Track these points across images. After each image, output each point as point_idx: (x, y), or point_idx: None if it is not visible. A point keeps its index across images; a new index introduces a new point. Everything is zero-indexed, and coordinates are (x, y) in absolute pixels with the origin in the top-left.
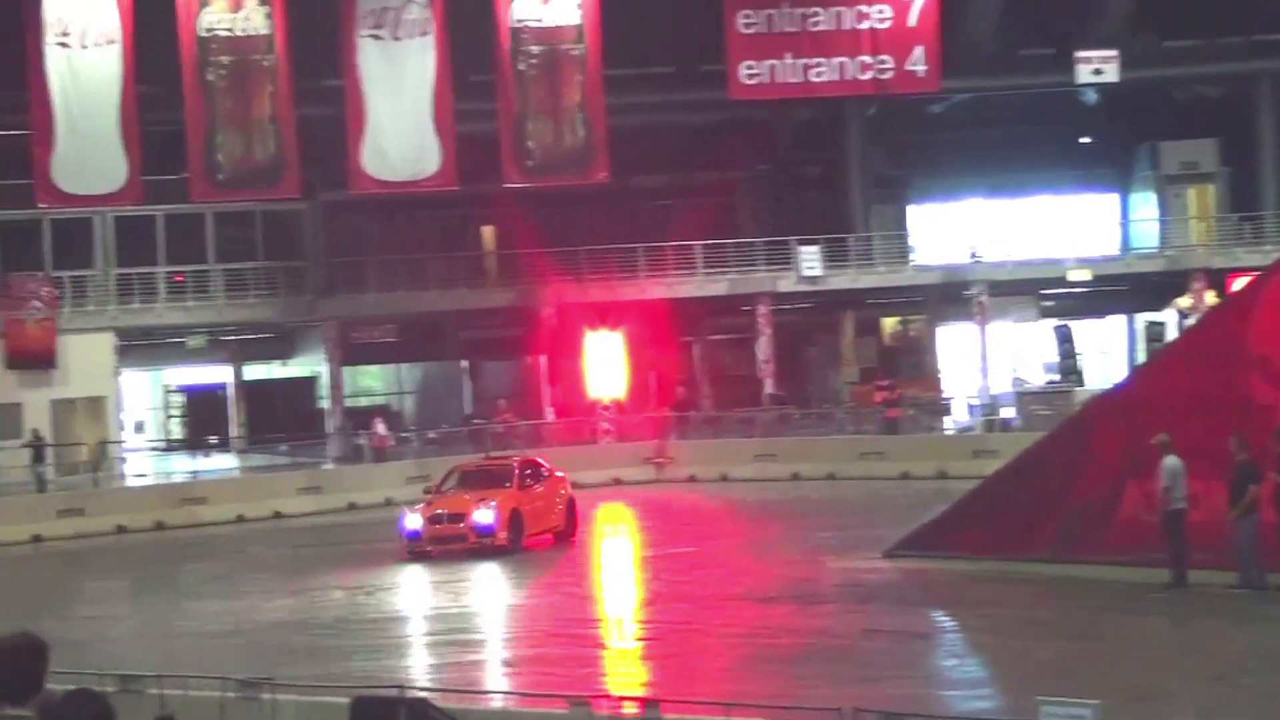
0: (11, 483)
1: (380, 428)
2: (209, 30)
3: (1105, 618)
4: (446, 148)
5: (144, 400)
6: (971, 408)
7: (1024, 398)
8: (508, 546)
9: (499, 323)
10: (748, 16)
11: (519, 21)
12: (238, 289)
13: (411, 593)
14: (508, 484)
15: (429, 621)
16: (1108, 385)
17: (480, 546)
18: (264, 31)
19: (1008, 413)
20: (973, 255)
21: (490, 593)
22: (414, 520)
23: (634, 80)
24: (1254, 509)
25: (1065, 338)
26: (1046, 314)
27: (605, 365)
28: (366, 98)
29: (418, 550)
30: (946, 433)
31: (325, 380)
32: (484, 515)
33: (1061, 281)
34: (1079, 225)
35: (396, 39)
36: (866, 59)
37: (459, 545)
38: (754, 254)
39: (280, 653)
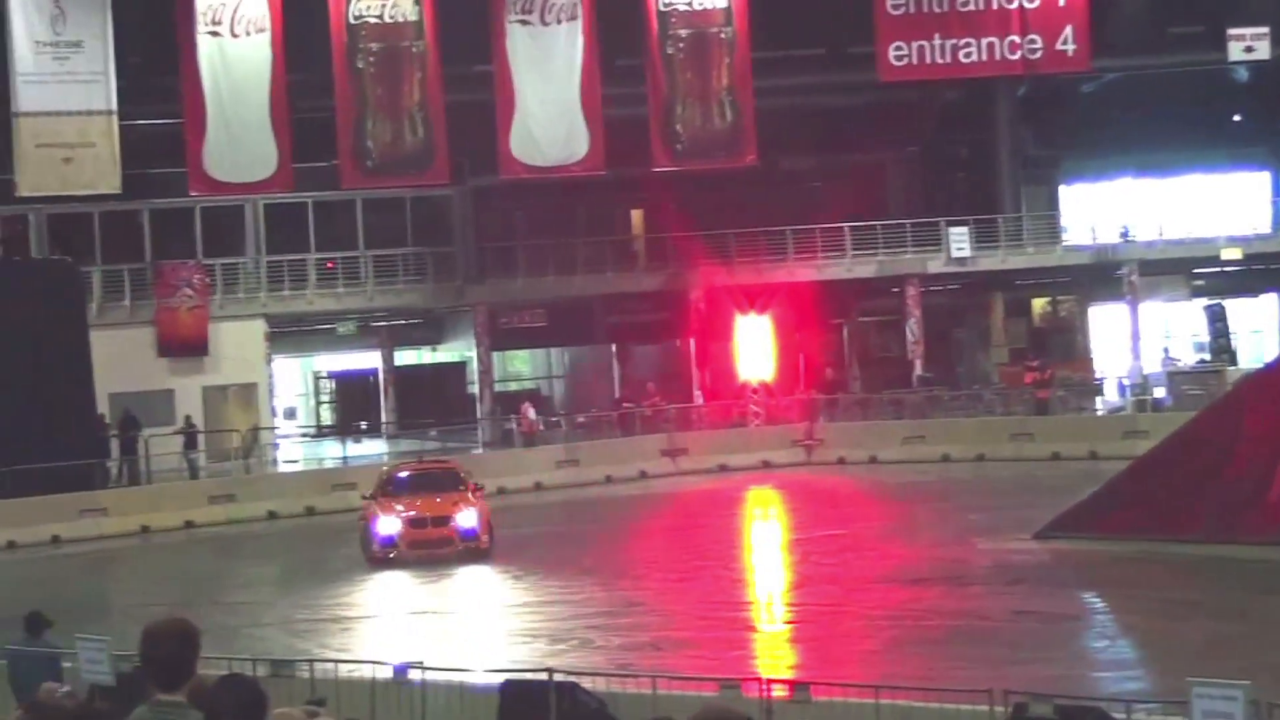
0: (165, 470)
1: (530, 412)
2: (358, 17)
3: (1257, 599)
4: (595, 132)
5: (295, 387)
6: (1122, 388)
7: (1176, 378)
8: (487, 549)
9: (648, 306)
10: None
11: (667, 5)
12: (387, 275)
13: (555, 578)
14: (461, 487)
15: (575, 605)
16: (1260, 364)
17: (465, 550)
18: (413, 18)
19: (1159, 393)
20: (1123, 235)
21: (637, 578)
22: (389, 524)
23: (782, 62)
24: None
25: (1217, 317)
26: (1198, 293)
27: (754, 348)
28: (515, 83)
29: (389, 556)
30: (1097, 413)
31: (474, 365)
32: (468, 518)
33: (1213, 260)
34: (1231, 203)
35: (545, 24)
36: (1016, 39)
37: (446, 550)
38: (903, 235)
39: (430, 637)
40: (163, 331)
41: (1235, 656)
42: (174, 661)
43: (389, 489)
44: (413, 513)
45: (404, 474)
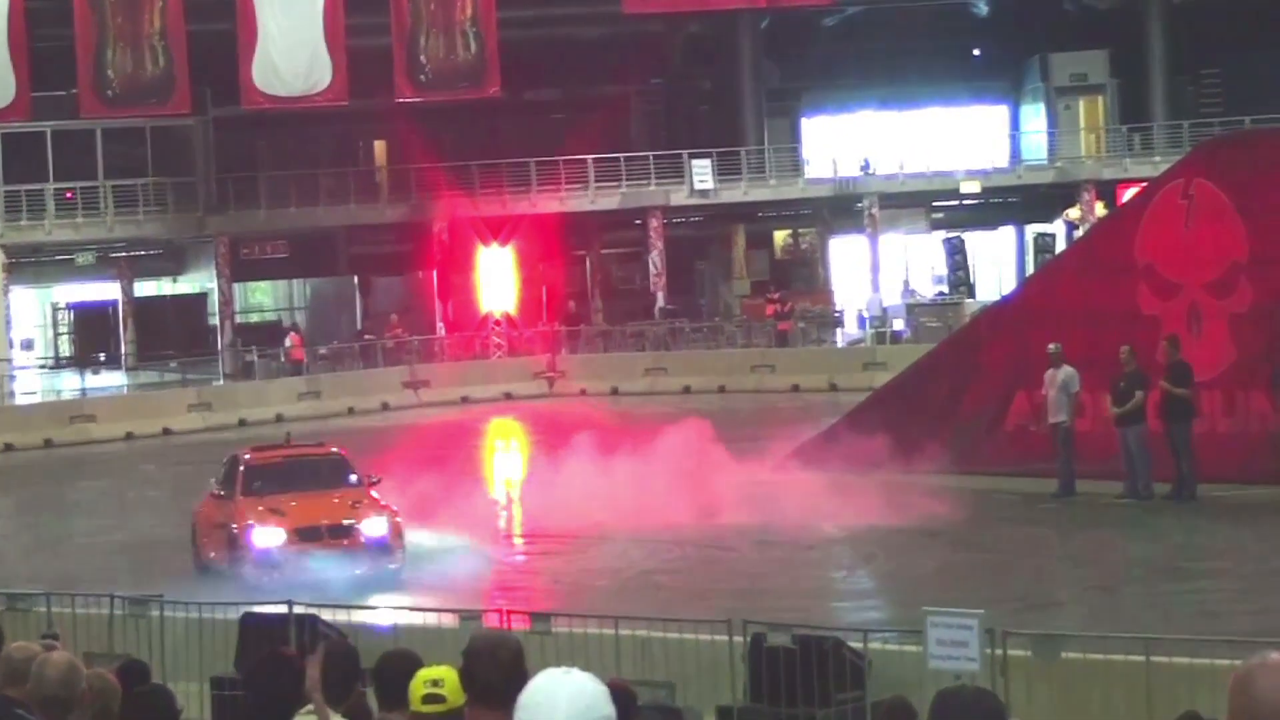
0: None
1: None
2: None
3: (993, 528)
4: (338, 62)
5: (32, 318)
6: (862, 320)
7: (914, 310)
8: (398, 565)
9: (390, 238)
10: None
11: None
12: (127, 206)
13: None
14: (353, 482)
15: None
16: (997, 298)
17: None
18: None
19: (898, 325)
20: (864, 168)
21: None
22: (271, 536)
23: None
24: (1142, 418)
25: (956, 250)
26: (937, 226)
27: (497, 280)
28: (257, 12)
29: (267, 575)
30: (837, 345)
31: (215, 296)
32: (376, 526)
33: (952, 193)
34: (970, 137)
35: None
36: None
37: (348, 567)
38: (646, 168)
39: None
40: None
41: (972, 585)
42: None
43: (250, 485)
44: (303, 522)
45: (258, 464)
